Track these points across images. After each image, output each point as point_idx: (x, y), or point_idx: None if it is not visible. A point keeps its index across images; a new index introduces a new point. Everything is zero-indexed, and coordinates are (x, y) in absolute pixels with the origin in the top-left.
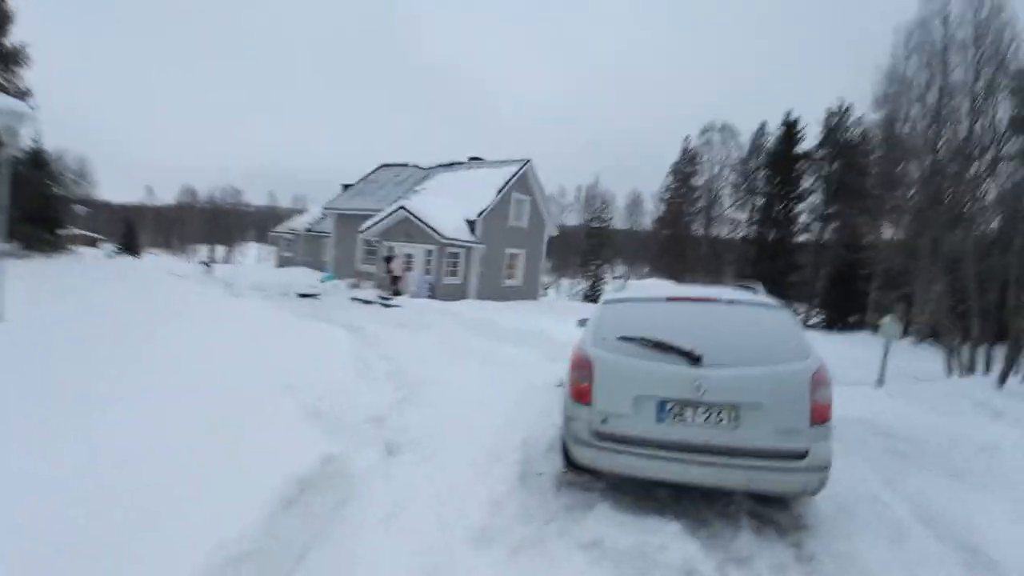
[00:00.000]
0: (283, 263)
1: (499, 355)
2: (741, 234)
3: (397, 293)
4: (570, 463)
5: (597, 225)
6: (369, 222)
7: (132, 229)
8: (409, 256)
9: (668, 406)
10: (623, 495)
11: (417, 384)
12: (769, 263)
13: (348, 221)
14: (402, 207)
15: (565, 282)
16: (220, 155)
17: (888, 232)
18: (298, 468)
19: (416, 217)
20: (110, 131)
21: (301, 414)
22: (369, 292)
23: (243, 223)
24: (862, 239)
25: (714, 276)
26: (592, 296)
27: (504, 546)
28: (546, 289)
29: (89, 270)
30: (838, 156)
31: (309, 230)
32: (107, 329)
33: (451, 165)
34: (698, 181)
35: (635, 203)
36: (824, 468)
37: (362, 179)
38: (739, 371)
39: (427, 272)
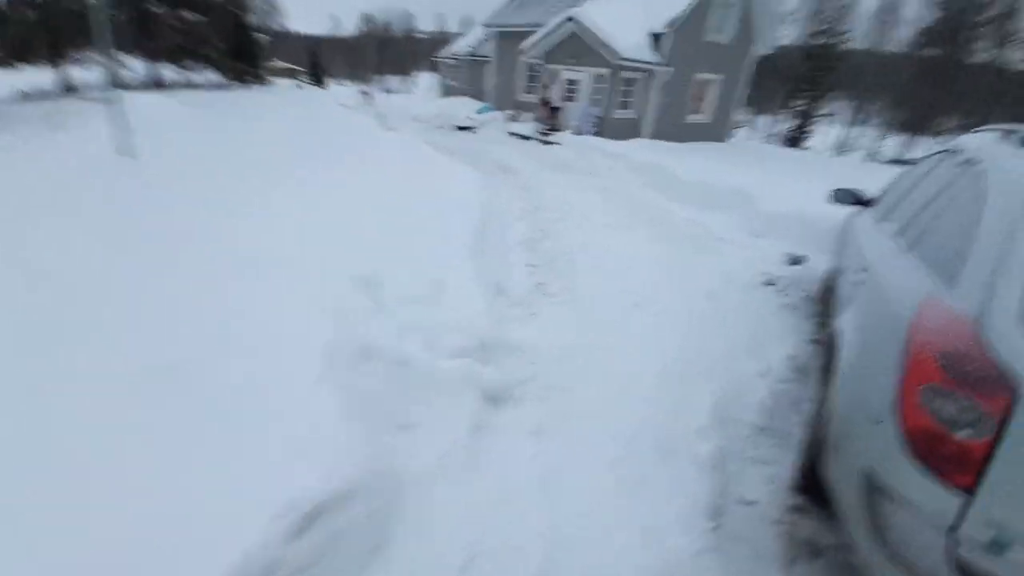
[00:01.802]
0: (447, 92)
1: (677, 221)
2: None
3: (555, 128)
4: (809, 488)
5: (823, 42)
6: (531, 39)
7: (317, 60)
8: (572, 83)
9: None
10: None
11: (561, 263)
12: None
13: (510, 40)
14: (571, 18)
15: (761, 120)
16: None
17: None
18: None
19: (588, 31)
20: None
21: (344, 361)
22: (527, 126)
23: (415, 51)
24: None
25: (996, 122)
26: (794, 139)
27: None
28: (737, 128)
29: (263, 102)
30: None
31: (471, 54)
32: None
33: None
34: None
35: (889, 8)
36: None
37: None
38: None
39: (594, 103)
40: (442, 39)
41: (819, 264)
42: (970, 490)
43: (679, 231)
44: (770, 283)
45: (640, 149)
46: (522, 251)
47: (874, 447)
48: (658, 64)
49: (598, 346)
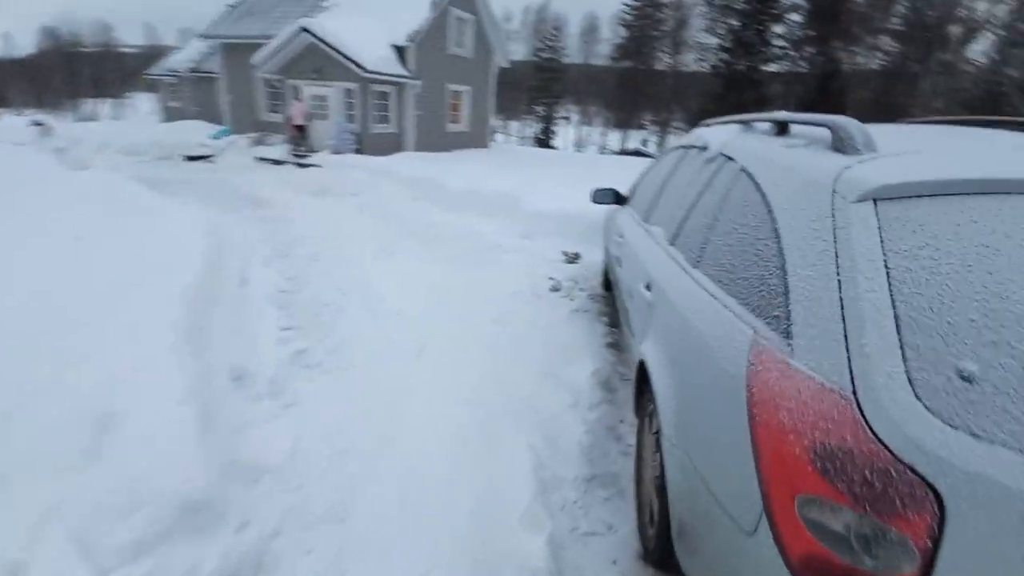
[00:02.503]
0: (170, 116)
1: (452, 234)
2: (709, 64)
3: (310, 149)
4: (657, 558)
5: (547, 56)
6: (262, 52)
7: None
8: (319, 99)
9: None
10: None
11: (325, 316)
12: (736, 97)
13: (239, 53)
14: (304, 29)
15: (514, 125)
16: None
17: (865, 61)
18: None
19: (325, 43)
20: None
21: None
22: (278, 149)
23: (121, 69)
24: (839, 65)
25: (680, 115)
26: (543, 140)
27: None
28: (495, 133)
29: None
30: None
31: (195, 70)
32: None
33: None
34: None
35: (590, 30)
36: None
37: None
38: None
39: (349, 119)
40: (156, 53)
41: (593, 258)
42: None
43: (455, 245)
44: (555, 289)
45: (405, 162)
46: (271, 310)
47: (752, 568)
48: (407, 77)
49: (380, 427)
